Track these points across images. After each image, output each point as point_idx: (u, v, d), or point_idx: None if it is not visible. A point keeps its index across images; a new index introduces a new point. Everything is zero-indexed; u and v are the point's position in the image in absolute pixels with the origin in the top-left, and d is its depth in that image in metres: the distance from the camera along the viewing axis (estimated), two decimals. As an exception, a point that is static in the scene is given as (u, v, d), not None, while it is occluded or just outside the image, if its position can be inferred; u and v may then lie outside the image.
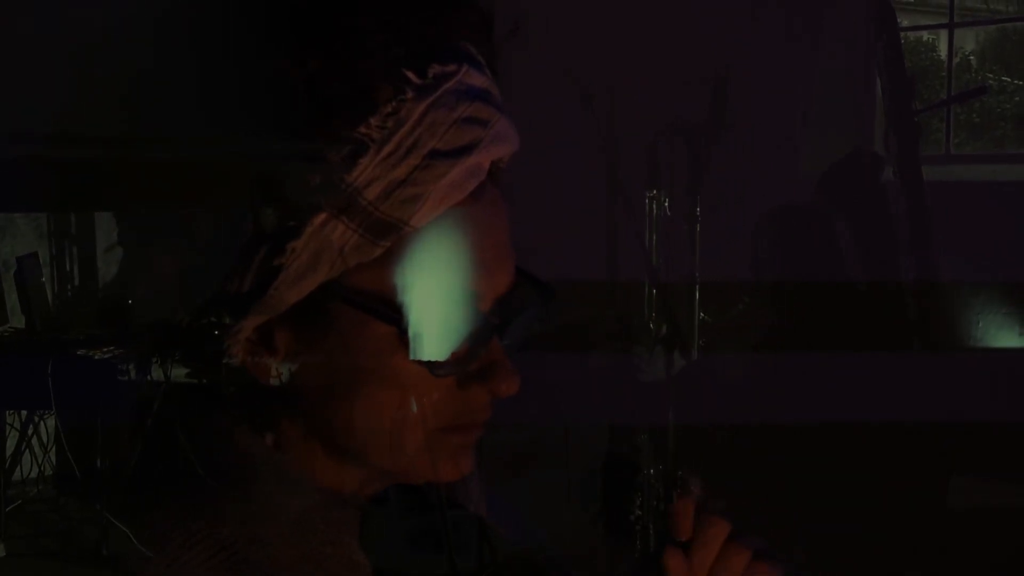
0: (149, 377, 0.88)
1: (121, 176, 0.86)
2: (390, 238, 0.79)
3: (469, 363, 0.83)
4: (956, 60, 9.21)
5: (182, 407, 0.86)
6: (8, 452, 5.35)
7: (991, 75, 11.45)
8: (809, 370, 4.83)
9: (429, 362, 0.81)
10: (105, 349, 4.94)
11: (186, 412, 0.86)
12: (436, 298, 0.81)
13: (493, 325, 0.83)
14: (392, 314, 0.80)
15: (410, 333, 0.80)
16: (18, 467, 5.40)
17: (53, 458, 5.55)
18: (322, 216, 0.78)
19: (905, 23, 9.04)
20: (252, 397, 0.85)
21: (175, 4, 0.82)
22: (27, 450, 5.42)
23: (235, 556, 0.80)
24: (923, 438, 4.70)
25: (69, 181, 0.88)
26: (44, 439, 5.44)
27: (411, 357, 0.80)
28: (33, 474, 5.47)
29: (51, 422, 5.26)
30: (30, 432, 5.40)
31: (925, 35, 11.09)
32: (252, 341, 0.83)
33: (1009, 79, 11.04)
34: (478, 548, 0.92)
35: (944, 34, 8.73)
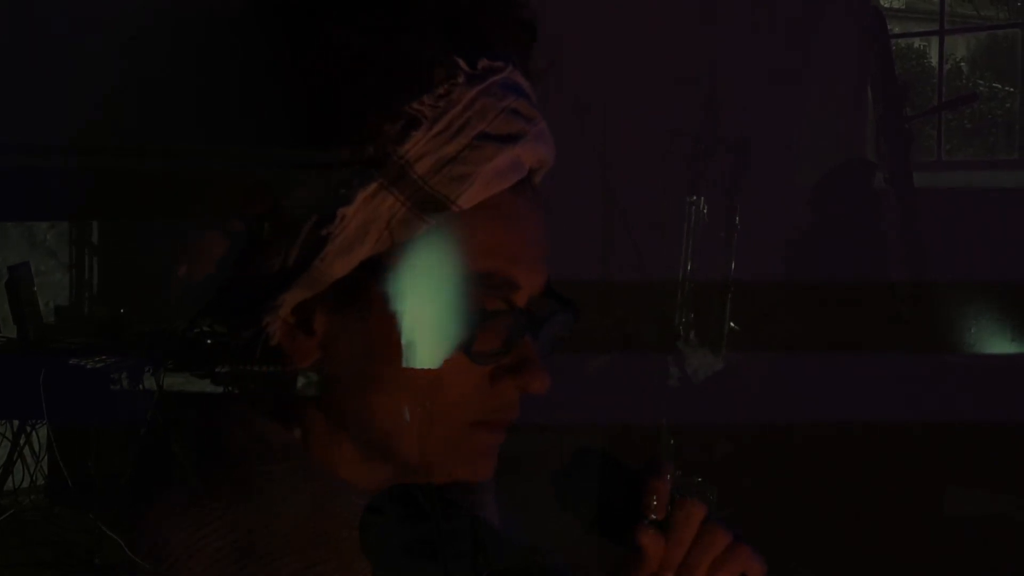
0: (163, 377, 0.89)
1: (135, 185, 0.87)
2: (437, 215, 0.80)
3: (506, 354, 0.83)
4: (947, 67, 9.24)
5: (204, 400, 0.86)
6: (0, 462, 5.33)
7: (982, 82, 11.49)
8: (806, 370, 4.84)
9: (469, 348, 0.81)
10: (98, 358, 4.93)
11: (208, 404, 0.86)
12: (480, 282, 0.82)
13: (531, 318, 0.84)
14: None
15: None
16: (10, 477, 5.38)
17: (45, 467, 5.54)
18: (373, 186, 0.80)
19: (896, 30, 9.06)
20: (278, 387, 0.85)
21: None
22: (19, 460, 5.40)
23: (248, 537, 0.80)
24: (913, 440, 4.71)
25: (98, 189, 0.89)
26: (36, 448, 5.42)
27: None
28: (25, 484, 5.44)
29: (43, 431, 5.25)
30: (22, 442, 5.38)
31: (916, 42, 11.13)
32: (289, 323, 0.83)
33: (1000, 86, 11.07)
34: (473, 556, 0.91)
35: (935, 41, 8.76)
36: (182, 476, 0.84)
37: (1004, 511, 4.55)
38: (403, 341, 0.82)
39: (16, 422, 5.33)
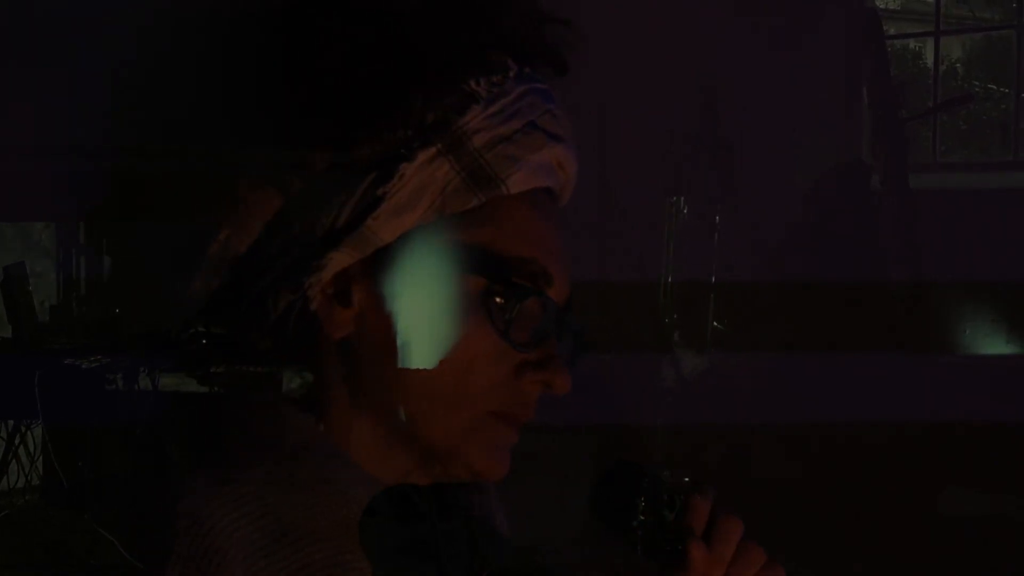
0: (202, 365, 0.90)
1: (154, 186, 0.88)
2: (487, 192, 0.83)
3: (536, 345, 0.85)
4: (942, 68, 9.24)
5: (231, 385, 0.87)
6: (-5, 462, 5.32)
7: (977, 83, 11.51)
8: (803, 371, 4.84)
9: (506, 332, 0.83)
10: (93, 358, 4.93)
11: (236, 391, 0.87)
12: (520, 269, 0.84)
13: (561, 317, 0.86)
14: (491, 269, 0.83)
15: (504, 290, 0.83)
16: (5, 477, 5.37)
17: (40, 468, 5.53)
18: (432, 150, 0.82)
19: (891, 31, 9.07)
20: (303, 365, 0.86)
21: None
22: (14, 460, 5.39)
23: (279, 522, 0.81)
24: (912, 440, 4.72)
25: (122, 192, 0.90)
26: (31, 449, 5.41)
27: (493, 318, 0.83)
28: (20, 484, 5.44)
29: (38, 431, 5.24)
30: (17, 442, 5.37)
31: (911, 43, 11.14)
32: (327, 293, 0.84)
33: (995, 87, 11.09)
34: (469, 557, 0.91)
35: (930, 42, 8.76)
36: (215, 462, 0.83)
37: (1004, 511, 4.56)
38: (440, 319, 0.83)
39: (11, 422, 5.33)
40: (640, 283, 5.95)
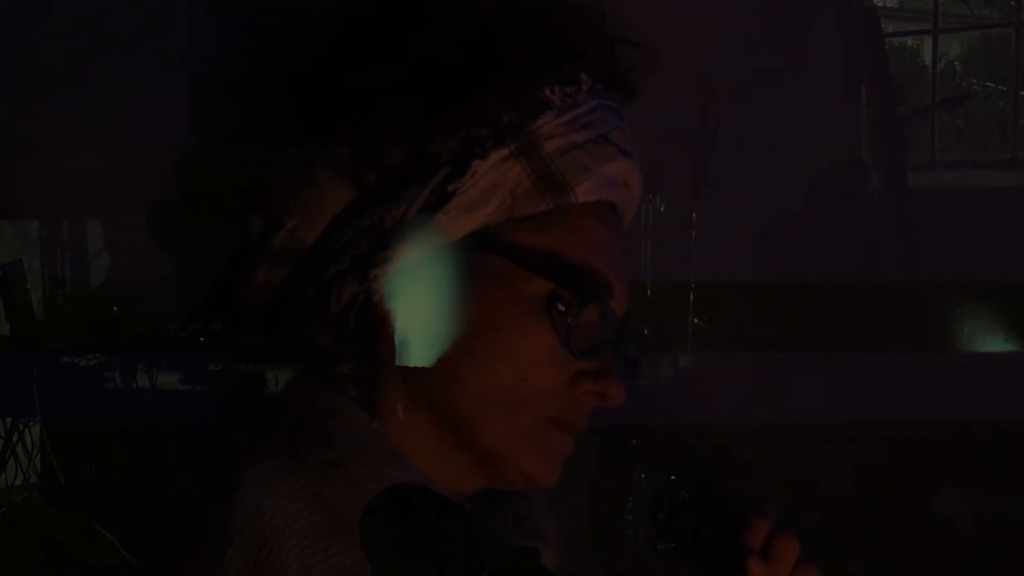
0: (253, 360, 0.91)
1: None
2: (556, 198, 0.84)
3: (595, 355, 0.85)
4: (941, 66, 9.24)
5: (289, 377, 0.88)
6: (-7, 460, 5.32)
7: (975, 81, 11.51)
8: (802, 371, 4.84)
9: (568, 338, 0.83)
10: (91, 356, 4.93)
11: (295, 385, 0.87)
12: (585, 277, 0.84)
13: (620, 330, 0.86)
14: (558, 274, 0.83)
15: (567, 296, 0.83)
16: (3, 475, 5.37)
17: (38, 466, 5.53)
18: (505, 151, 0.83)
19: (890, 29, 9.07)
20: (362, 360, 0.86)
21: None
22: (12, 458, 5.39)
23: (336, 516, 0.81)
24: (911, 440, 4.72)
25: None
26: (29, 447, 5.41)
27: (555, 324, 0.83)
28: (18, 482, 5.44)
29: (36, 430, 5.24)
30: (15, 440, 5.37)
31: (910, 41, 11.14)
32: (392, 289, 0.84)
33: (993, 85, 11.09)
34: (467, 556, 0.91)
35: (928, 40, 8.76)
36: (274, 453, 0.83)
37: (1003, 511, 4.56)
38: (503, 317, 0.83)
39: (9, 420, 5.33)
40: (638, 283, 5.95)
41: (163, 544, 0.83)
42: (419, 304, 0.84)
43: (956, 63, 11.94)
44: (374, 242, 0.83)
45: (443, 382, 0.85)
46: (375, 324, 0.84)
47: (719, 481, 0.91)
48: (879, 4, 8.81)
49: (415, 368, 0.85)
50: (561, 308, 0.84)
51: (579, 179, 0.84)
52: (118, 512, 4.38)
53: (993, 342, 5.97)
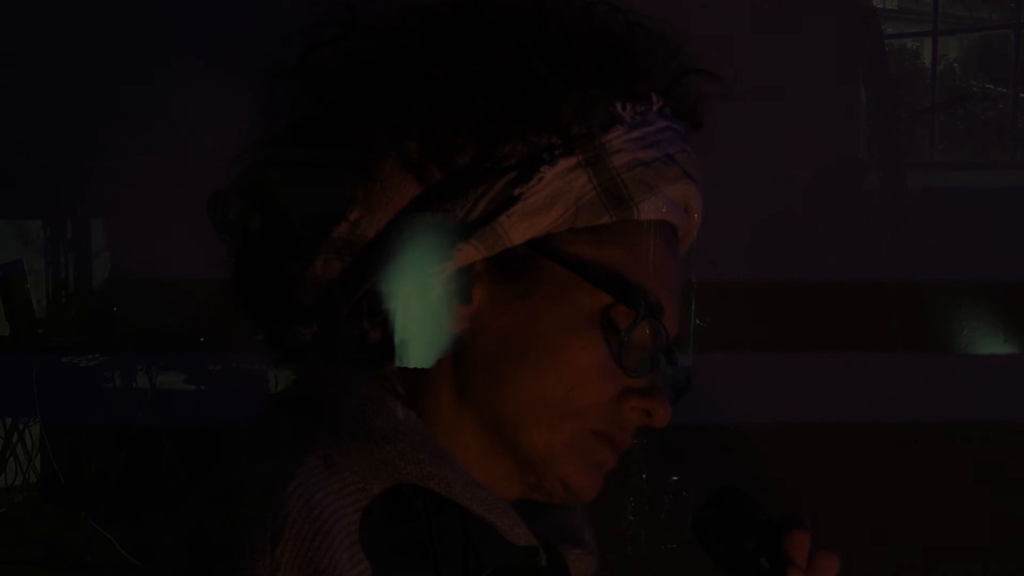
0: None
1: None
2: (619, 212, 0.84)
3: (644, 372, 0.85)
4: (940, 67, 9.25)
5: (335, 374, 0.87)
6: (-8, 460, 5.32)
7: (974, 82, 11.51)
8: (799, 370, 4.84)
9: (619, 353, 0.83)
10: (90, 356, 4.93)
11: (342, 381, 0.87)
12: (646, 294, 0.84)
13: (671, 350, 0.87)
14: (616, 288, 0.83)
15: (623, 311, 0.83)
16: (2, 474, 5.38)
17: (38, 465, 5.53)
18: (572, 160, 0.83)
19: (889, 30, 9.07)
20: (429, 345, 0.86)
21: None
22: (11, 457, 5.40)
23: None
24: (910, 440, 4.72)
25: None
26: (28, 446, 5.42)
27: (608, 337, 0.83)
28: (18, 482, 5.44)
29: (36, 429, 5.25)
30: (14, 439, 5.38)
31: (909, 42, 11.14)
32: (448, 288, 0.84)
33: (992, 86, 11.09)
34: (464, 555, 0.91)
35: (928, 41, 8.77)
36: (324, 447, 0.83)
37: (1003, 511, 4.56)
38: (559, 327, 0.83)
39: (8, 420, 5.33)
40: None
41: (179, 541, 0.83)
42: (474, 306, 0.84)
43: (955, 65, 11.93)
44: (434, 238, 0.83)
45: (492, 385, 0.85)
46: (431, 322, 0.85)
47: (756, 491, 0.91)
48: (878, 6, 8.81)
49: (465, 369, 0.85)
50: (615, 323, 0.84)
51: (643, 196, 0.84)
52: (118, 512, 4.38)
53: (991, 343, 5.97)
